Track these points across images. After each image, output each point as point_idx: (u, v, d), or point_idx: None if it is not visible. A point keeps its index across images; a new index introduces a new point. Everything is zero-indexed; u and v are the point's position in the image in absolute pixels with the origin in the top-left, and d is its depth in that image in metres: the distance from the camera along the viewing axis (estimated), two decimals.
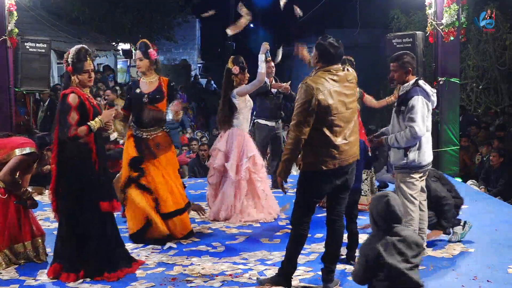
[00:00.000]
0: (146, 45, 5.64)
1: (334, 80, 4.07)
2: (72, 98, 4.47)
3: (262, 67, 6.37)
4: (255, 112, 7.90)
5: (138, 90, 5.63)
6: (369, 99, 7.01)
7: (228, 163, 6.30)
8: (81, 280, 4.48)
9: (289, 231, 5.85)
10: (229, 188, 6.33)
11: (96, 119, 4.52)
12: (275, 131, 7.74)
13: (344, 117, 4.09)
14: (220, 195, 6.40)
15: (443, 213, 5.20)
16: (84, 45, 4.71)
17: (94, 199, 4.55)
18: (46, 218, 6.53)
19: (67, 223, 4.57)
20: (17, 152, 4.87)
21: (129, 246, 5.43)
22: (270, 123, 7.65)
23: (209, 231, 5.99)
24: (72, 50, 4.61)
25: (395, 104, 4.89)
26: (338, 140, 4.06)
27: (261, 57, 6.40)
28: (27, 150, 4.90)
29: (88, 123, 4.47)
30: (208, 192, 6.62)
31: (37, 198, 6.06)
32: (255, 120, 7.93)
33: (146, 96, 5.58)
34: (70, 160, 4.53)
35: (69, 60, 4.57)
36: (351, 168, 4.19)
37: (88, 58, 4.58)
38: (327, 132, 4.04)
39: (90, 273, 4.53)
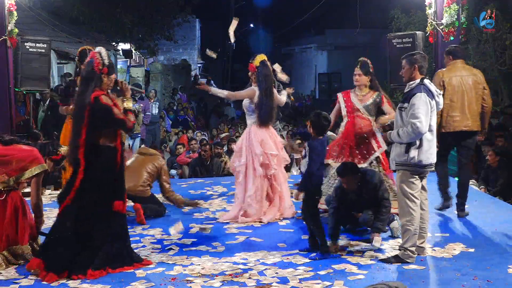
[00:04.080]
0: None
1: None
2: (105, 99, 4.65)
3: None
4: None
5: None
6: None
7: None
8: (79, 281, 4.47)
9: (290, 230, 5.88)
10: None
11: (125, 101, 4.79)
12: None
13: None
14: (284, 191, 6.46)
15: (380, 215, 5.20)
16: None
17: (110, 198, 4.69)
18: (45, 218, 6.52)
19: (73, 220, 4.60)
20: (27, 175, 4.95)
21: None
22: None
23: (209, 231, 5.98)
24: (104, 52, 4.73)
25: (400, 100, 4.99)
26: None
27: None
28: (38, 170, 4.98)
29: (125, 107, 4.75)
30: (269, 190, 6.45)
31: None
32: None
33: None
34: (99, 160, 4.65)
35: (106, 61, 4.70)
36: None
37: None
38: None
39: (76, 272, 4.54)
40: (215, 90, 6.57)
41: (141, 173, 6.65)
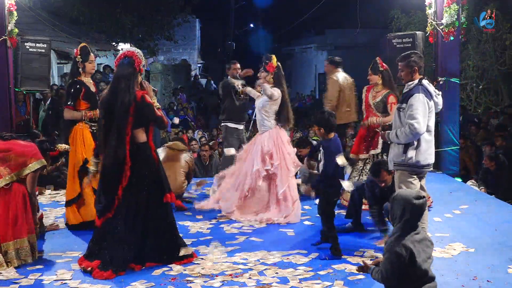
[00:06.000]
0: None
1: None
2: (148, 98, 4.78)
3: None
4: (224, 115, 7.55)
5: (92, 90, 6.01)
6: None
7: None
8: (79, 280, 4.47)
9: (290, 230, 5.88)
10: None
11: (151, 99, 4.89)
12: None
13: None
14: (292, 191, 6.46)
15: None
16: None
17: (161, 191, 4.82)
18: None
19: (131, 219, 4.67)
20: (27, 170, 4.97)
21: None
22: (240, 127, 7.54)
23: (209, 231, 5.98)
24: (141, 52, 4.85)
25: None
26: None
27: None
28: (37, 165, 5.02)
29: (156, 106, 4.84)
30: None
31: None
32: (224, 124, 7.60)
33: (97, 95, 6.03)
34: (140, 156, 4.72)
35: (143, 62, 4.83)
36: None
37: None
38: None
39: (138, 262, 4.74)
40: (266, 86, 6.28)
41: (177, 172, 6.83)
